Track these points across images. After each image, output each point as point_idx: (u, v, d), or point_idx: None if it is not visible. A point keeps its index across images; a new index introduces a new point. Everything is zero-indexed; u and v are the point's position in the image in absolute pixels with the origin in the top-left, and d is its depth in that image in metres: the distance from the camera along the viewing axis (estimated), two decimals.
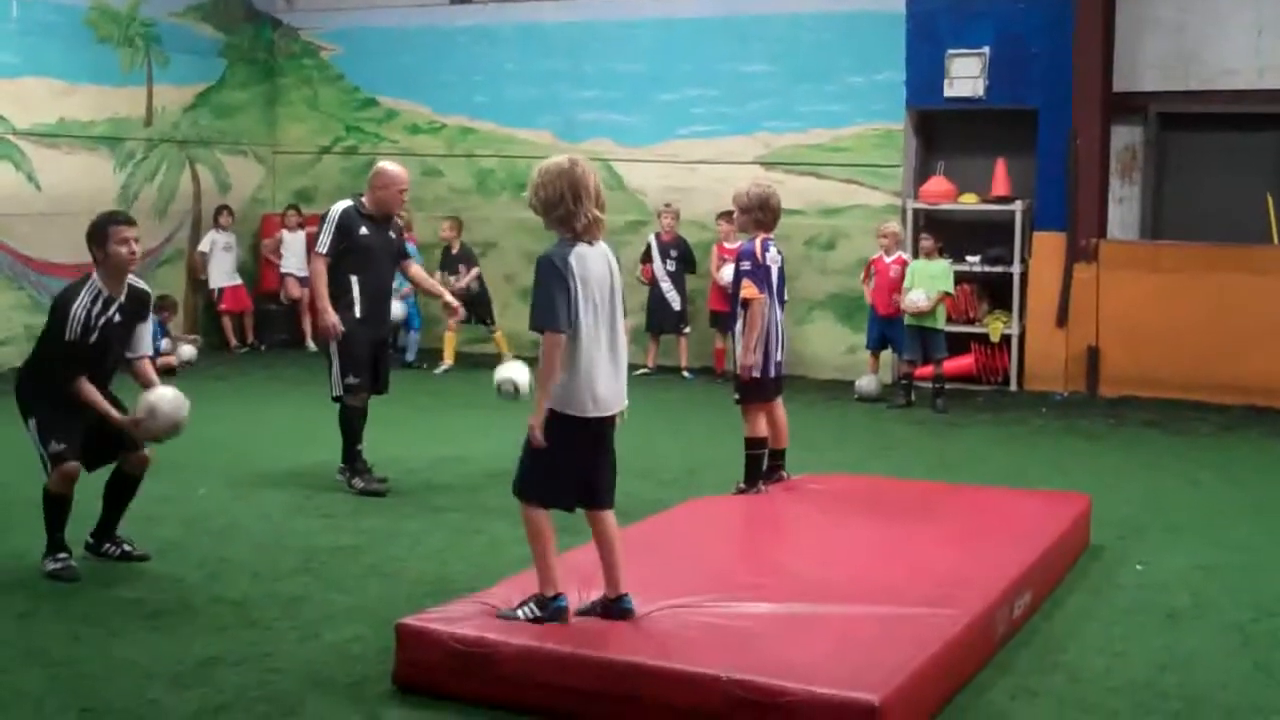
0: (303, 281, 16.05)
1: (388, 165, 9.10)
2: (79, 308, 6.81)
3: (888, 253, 13.07)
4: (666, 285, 14.38)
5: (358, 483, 8.87)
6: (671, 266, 14.39)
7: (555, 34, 15.63)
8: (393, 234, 9.09)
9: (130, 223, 7.00)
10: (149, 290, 7.24)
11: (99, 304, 6.86)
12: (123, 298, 6.96)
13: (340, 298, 8.84)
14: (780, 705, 4.83)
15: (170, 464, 9.35)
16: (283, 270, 16.01)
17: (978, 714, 5.34)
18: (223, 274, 15.74)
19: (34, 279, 14.04)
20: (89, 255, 6.98)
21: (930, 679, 5.20)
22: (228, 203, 16.05)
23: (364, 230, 8.84)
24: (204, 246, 15.72)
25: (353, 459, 8.95)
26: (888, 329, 13.02)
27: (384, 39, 16.45)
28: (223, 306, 15.81)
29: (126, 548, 7.29)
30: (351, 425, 8.94)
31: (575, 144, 15.40)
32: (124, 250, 6.87)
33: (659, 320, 14.53)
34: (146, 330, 7.15)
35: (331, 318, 8.72)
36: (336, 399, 8.94)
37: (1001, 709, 5.40)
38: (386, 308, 9.23)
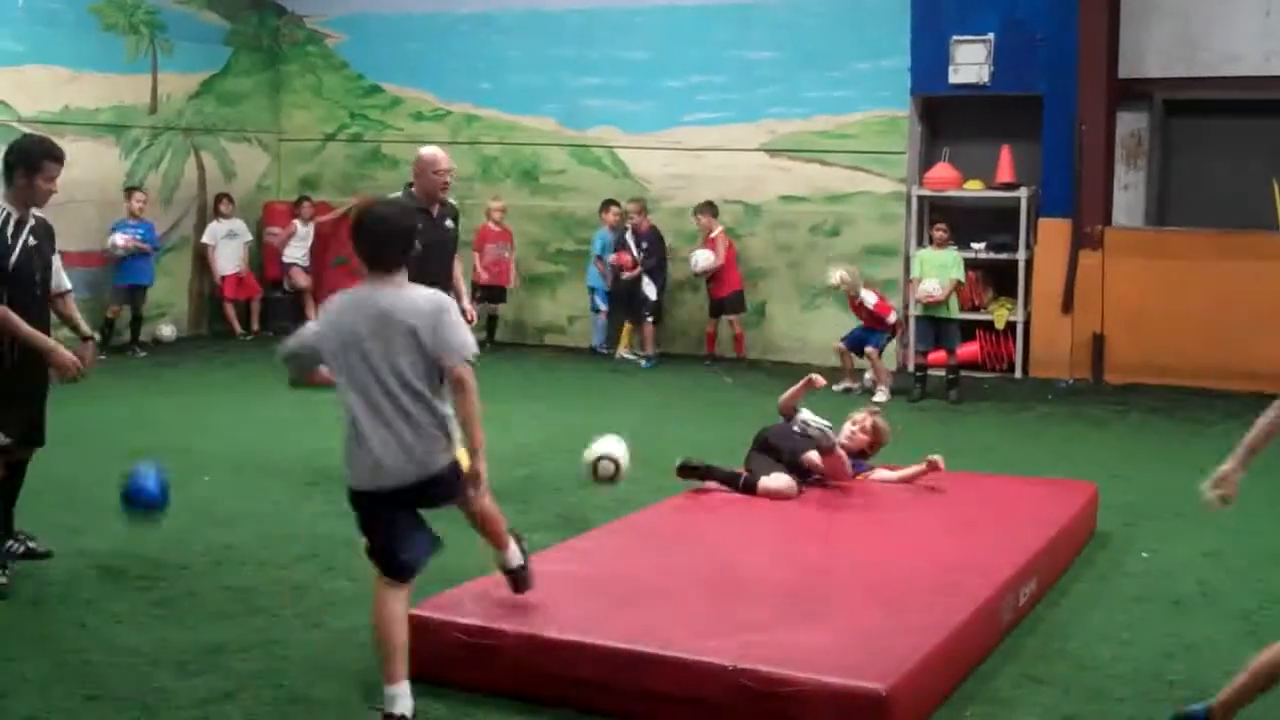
0: (308, 270, 16.06)
1: (424, 149, 8.68)
2: None
3: (854, 297, 12.75)
4: (643, 276, 14.40)
5: None
6: (644, 257, 14.38)
7: (559, 21, 15.59)
8: (449, 223, 8.64)
9: (63, 161, 6.64)
10: (48, 219, 6.82)
11: (11, 225, 6.48)
12: (32, 220, 6.59)
13: None
14: (787, 694, 4.82)
15: (175, 452, 9.36)
16: (286, 260, 15.99)
17: (984, 701, 5.34)
18: (227, 262, 15.73)
19: None
20: (13, 184, 6.57)
21: (936, 667, 5.20)
22: (230, 191, 16.02)
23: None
24: (207, 239, 15.71)
25: None
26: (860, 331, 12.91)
27: (388, 26, 16.42)
28: (226, 295, 15.79)
29: (30, 544, 6.92)
30: None
31: (580, 131, 15.42)
32: (48, 188, 6.56)
33: (624, 307, 14.63)
34: (58, 260, 6.78)
35: None
36: None
37: (1007, 696, 5.40)
38: None
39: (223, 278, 15.73)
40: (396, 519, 5.10)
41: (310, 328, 5.23)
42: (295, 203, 16.23)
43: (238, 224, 15.83)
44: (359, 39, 16.64)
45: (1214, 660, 5.83)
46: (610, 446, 7.58)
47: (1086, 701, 5.36)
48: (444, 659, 5.39)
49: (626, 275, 14.37)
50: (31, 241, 6.56)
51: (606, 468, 7.54)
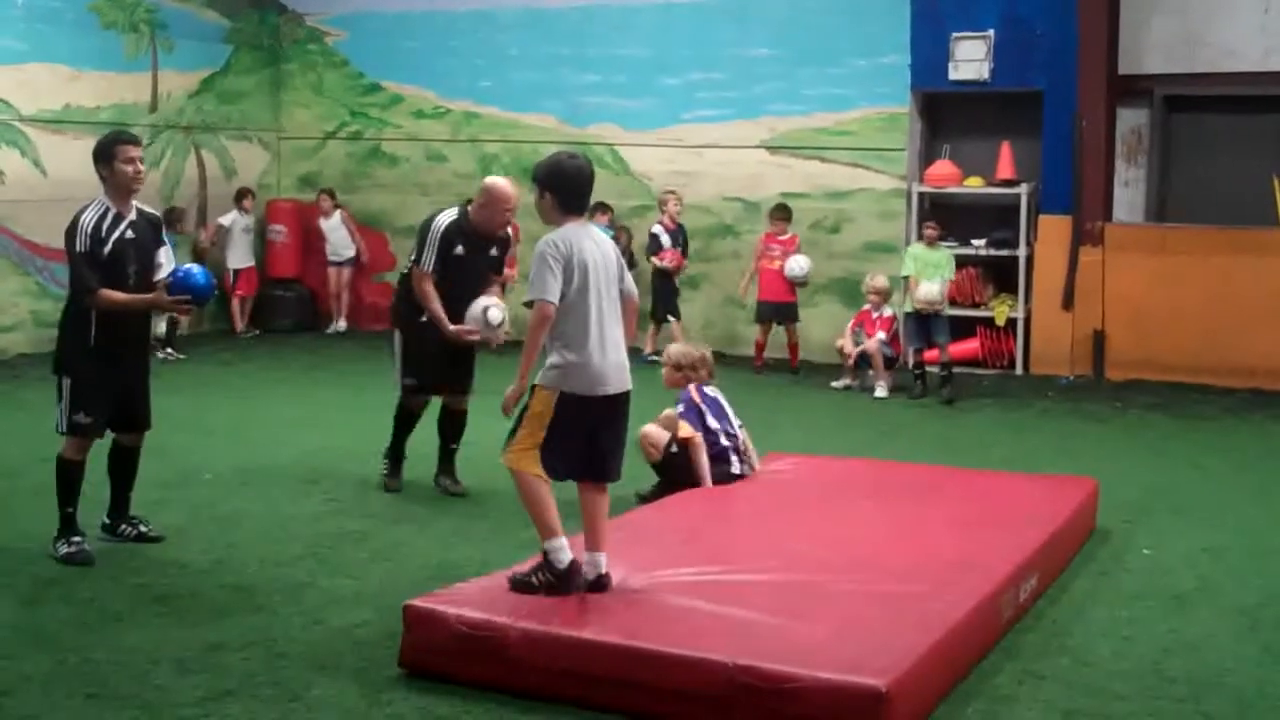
0: (339, 265, 16.05)
1: (499, 182, 8.25)
2: (86, 220, 6.88)
3: (875, 309, 12.78)
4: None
5: (384, 473, 8.72)
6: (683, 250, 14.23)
7: (558, 18, 15.60)
8: (494, 251, 8.45)
9: (136, 142, 7.09)
10: (158, 214, 7.41)
11: (108, 218, 6.92)
12: (133, 215, 7.01)
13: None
14: (786, 690, 4.82)
15: (176, 449, 9.36)
16: (336, 260, 16.07)
17: (984, 698, 5.34)
18: (239, 256, 15.68)
19: (40, 265, 14.06)
20: (103, 180, 7.03)
21: (936, 663, 5.20)
22: (231, 189, 15.94)
23: (459, 249, 8.23)
24: (225, 220, 15.65)
25: (391, 454, 8.74)
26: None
27: (388, 24, 16.42)
28: (238, 290, 15.72)
29: (143, 528, 7.33)
30: (397, 422, 8.70)
31: (580, 129, 15.41)
32: (129, 169, 6.96)
33: (663, 307, 14.20)
34: (165, 254, 7.15)
35: (450, 330, 8.20)
36: (398, 395, 8.69)
37: (1008, 693, 5.40)
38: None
39: (235, 273, 15.67)
40: (618, 424, 5.84)
41: (550, 278, 5.74)
42: (317, 197, 16.16)
43: (251, 220, 15.77)
44: (359, 37, 16.64)
45: (1214, 656, 5.84)
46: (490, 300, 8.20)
47: (1087, 697, 5.36)
48: (445, 655, 5.39)
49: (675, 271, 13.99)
50: (129, 235, 6.95)
51: (495, 315, 8.13)
